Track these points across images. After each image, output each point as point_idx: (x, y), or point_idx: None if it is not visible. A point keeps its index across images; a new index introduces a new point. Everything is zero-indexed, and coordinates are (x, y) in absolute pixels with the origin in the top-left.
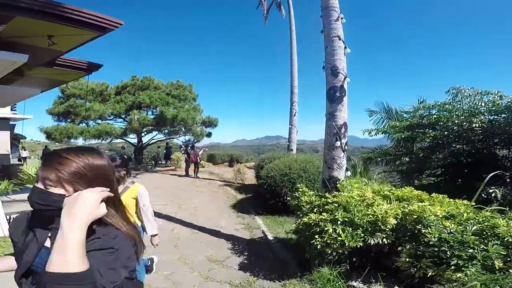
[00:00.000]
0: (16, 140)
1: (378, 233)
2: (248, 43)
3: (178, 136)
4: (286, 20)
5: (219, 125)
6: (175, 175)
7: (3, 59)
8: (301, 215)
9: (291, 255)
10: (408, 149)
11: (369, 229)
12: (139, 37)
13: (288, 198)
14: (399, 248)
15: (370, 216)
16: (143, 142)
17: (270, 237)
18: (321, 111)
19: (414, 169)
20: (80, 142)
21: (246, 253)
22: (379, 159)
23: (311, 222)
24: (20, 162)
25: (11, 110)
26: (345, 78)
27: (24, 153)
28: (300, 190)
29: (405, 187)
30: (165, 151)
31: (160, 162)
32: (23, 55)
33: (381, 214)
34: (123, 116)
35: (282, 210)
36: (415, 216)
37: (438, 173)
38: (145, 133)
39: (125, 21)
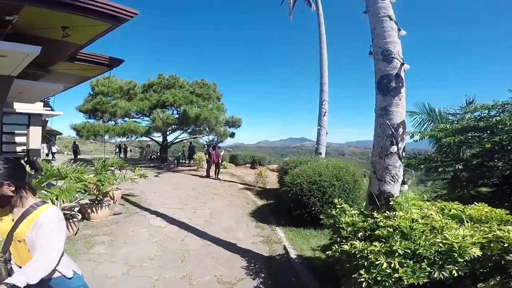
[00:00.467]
0: (53, 135)
1: (449, 266)
2: (272, 43)
3: (201, 135)
4: (313, 14)
5: (242, 125)
6: (196, 175)
7: (15, 51)
8: (338, 239)
9: (318, 282)
10: (455, 155)
11: (438, 261)
12: (165, 35)
13: (316, 209)
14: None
15: (441, 245)
16: (168, 141)
17: (292, 255)
18: (348, 112)
19: (469, 179)
20: (105, 139)
21: (263, 275)
22: (422, 166)
23: (354, 252)
24: (48, 158)
25: (44, 106)
26: (402, 65)
27: (53, 149)
28: (338, 206)
29: (451, 199)
30: (188, 151)
31: (183, 161)
32: (36, 47)
33: (458, 242)
34: (147, 114)
35: (309, 222)
36: (506, 245)
37: (493, 183)
38: (170, 132)
39: (151, 19)
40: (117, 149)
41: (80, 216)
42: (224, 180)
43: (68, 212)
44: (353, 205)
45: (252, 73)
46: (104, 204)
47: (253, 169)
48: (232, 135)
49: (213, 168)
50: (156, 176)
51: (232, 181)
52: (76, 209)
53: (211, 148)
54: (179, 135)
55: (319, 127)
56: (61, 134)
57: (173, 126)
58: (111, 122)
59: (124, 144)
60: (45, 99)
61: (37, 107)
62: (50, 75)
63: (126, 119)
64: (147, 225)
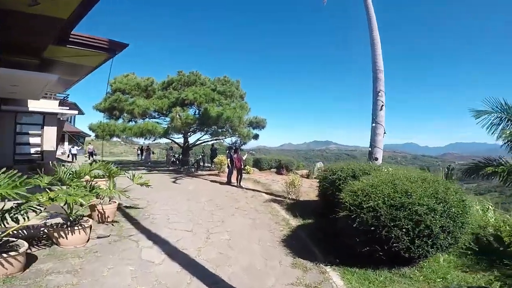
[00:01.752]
0: (81, 137)
1: None
2: (298, 36)
3: (224, 137)
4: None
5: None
6: (216, 181)
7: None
8: None
9: None
10: None
11: None
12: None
13: (401, 246)
14: None
15: None
16: (189, 143)
17: None
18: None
19: None
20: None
21: None
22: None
23: None
24: (69, 159)
25: (60, 105)
26: None
27: (73, 150)
28: None
29: None
30: (210, 153)
31: (203, 165)
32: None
33: None
34: (166, 114)
35: (384, 261)
36: None
37: None
38: (191, 133)
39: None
40: (139, 151)
41: (24, 247)
42: (247, 189)
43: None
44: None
45: (274, 73)
46: (77, 227)
47: (279, 174)
48: (256, 136)
49: (235, 173)
50: (173, 181)
51: (256, 190)
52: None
53: (232, 151)
54: (201, 137)
55: (374, 125)
56: (89, 136)
57: (193, 127)
58: (131, 123)
59: (148, 146)
60: (63, 98)
61: (52, 106)
62: (44, 64)
63: (147, 119)
64: (136, 258)
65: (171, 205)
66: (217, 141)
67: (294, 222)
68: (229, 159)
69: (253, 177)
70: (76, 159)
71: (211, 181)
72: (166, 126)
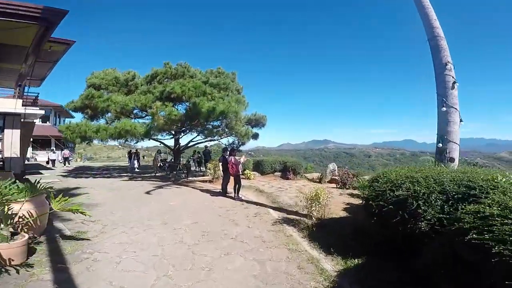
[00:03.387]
0: (71, 142)
1: None
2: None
3: (219, 137)
4: None
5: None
6: (208, 191)
7: None
8: None
9: None
10: None
11: None
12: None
13: None
14: None
15: None
16: (180, 145)
17: None
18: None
19: None
20: (96, 142)
21: None
22: None
23: None
24: (49, 166)
25: (23, 105)
26: None
27: (52, 156)
28: None
29: None
30: (203, 156)
31: (196, 169)
32: None
33: None
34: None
35: None
36: None
37: None
38: (181, 133)
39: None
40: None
41: None
42: (247, 201)
43: None
44: None
45: (273, 73)
46: None
47: (286, 179)
48: (256, 136)
49: (232, 180)
50: (155, 192)
51: (260, 204)
52: None
53: (227, 153)
54: (193, 138)
55: (444, 109)
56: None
57: (179, 125)
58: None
59: (136, 150)
60: (35, 97)
61: (12, 105)
62: None
63: (130, 119)
64: None
65: (134, 234)
66: (212, 142)
67: (330, 265)
68: (221, 164)
69: (254, 184)
70: (55, 166)
71: (203, 190)
72: (147, 125)
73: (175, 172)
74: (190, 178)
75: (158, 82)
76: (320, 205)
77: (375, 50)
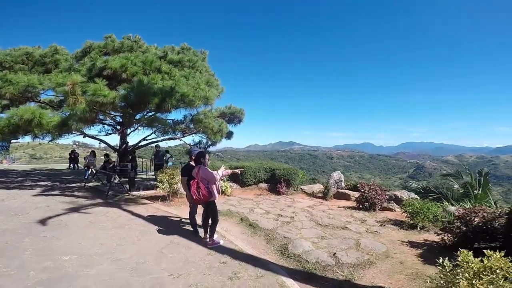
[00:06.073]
0: (5, 141)
1: None
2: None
3: (182, 134)
4: None
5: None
6: (157, 219)
7: None
8: None
9: None
10: None
11: None
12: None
13: None
14: None
15: None
16: (129, 145)
17: None
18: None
19: None
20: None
21: None
22: None
23: None
24: None
25: None
26: None
27: None
28: None
29: None
30: (154, 160)
31: (119, 180)
32: None
33: None
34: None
35: None
36: None
37: None
38: (126, 128)
39: None
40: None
41: None
42: (232, 254)
43: None
44: None
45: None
46: None
47: (278, 194)
48: (230, 134)
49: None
50: (59, 217)
51: (258, 261)
52: None
53: (190, 157)
54: (147, 136)
55: None
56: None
57: (116, 113)
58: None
59: (74, 151)
60: None
61: None
62: None
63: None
64: None
65: None
66: (172, 141)
67: None
68: (185, 178)
69: (236, 207)
70: None
71: (148, 219)
72: (62, 115)
73: (109, 184)
74: (135, 193)
75: (91, 59)
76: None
77: (331, 53)
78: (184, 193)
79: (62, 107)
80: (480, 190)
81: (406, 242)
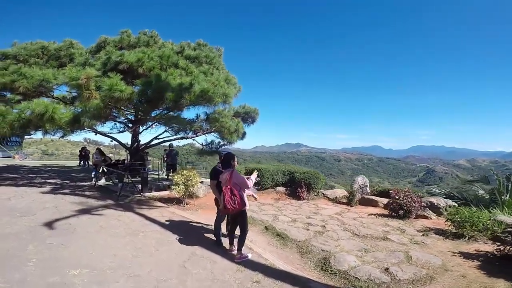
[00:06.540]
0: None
1: None
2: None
3: (194, 133)
4: None
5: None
6: (174, 225)
7: None
8: None
9: None
10: None
11: None
12: None
13: None
14: None
15: None
16: (140, 143)
17: None
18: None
19: None
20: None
21: None
22: None
23: None
24: None
25: None
26: None
27: None
28: None
29: None
30: (166, 160)
31: (161, 178)
32: None
33: None
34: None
35: None
36: None
37: None
38: (139, 126)
39: None
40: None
41: None
42: (264, 271)
43: None
44: None
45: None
46: None
47: (299, 199)
48: (243, 135)
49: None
50: (68, 220)
51: (296, 279)
52: None
53: (220, 158)
54: (159, 134)
55: None
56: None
57: (129, 110)
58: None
59: (85, 148)
60: None
61: None
62: None
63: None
64: None
65: None
66: (183, 141)
67: None
68: (215, 182)
69: (256, 214)
70: None
71: (164, 225)
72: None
73: (121, 184)
74: (148, 194)
75: (106, 54)
76: None
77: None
78: (201, 196)
79: (74, 103)
80: (508, 196)
81: (458, 253)
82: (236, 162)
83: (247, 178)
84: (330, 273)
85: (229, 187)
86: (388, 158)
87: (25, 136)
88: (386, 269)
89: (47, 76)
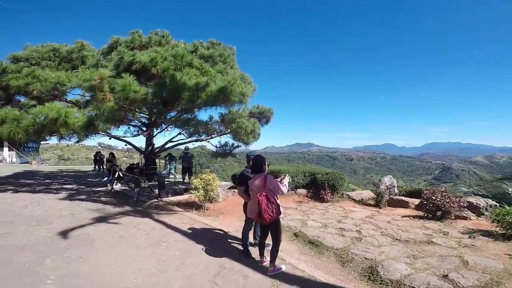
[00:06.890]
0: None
1: None
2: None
3: (207, 136)
4: None
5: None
6: (197, 233)
7: None
8: None
9: None
10: None
11: None
12: None
13: None
14: None
15: None
16: (154, 146)
17: None
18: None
19: None
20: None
21: None
22: None
23: None
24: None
25: None
26: None
27: None
28: None
29: None
30: (182, 163)
31: (175, 181)
32: None
33: None
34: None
35: None
36: None
37: None
38: (154, 129)
39: None
40: (94, 160)
41: None
42: (300, 281)
43: None
44: None
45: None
46: None
47: (322, 201)
48: (259, 135)
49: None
50: (85, 229)
51: (334, 286)
52: None
53: (248, 162)
54: (173, 137)
55: None
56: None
57: (143, 113)
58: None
59: (100, 153)
60: None
61: None
62: None
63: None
64: None
65: None
66: (196, 143)
67: None
68: (243, 187)
69: (282, 218)
70: None
71: (187, 234)
72: (88, 115)
73: (139, 189)
74: (165, 199)
75: (117, 54)
76: None
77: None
78: (220, 200)
79: (88, 107)
80: None
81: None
82: (267, 165)
83: (281, 185)
84: (380, 283)
85: (264, 193)
86: (401, 156)
87: (41, 142)
88: (445, 276)
89: (61, 79)
